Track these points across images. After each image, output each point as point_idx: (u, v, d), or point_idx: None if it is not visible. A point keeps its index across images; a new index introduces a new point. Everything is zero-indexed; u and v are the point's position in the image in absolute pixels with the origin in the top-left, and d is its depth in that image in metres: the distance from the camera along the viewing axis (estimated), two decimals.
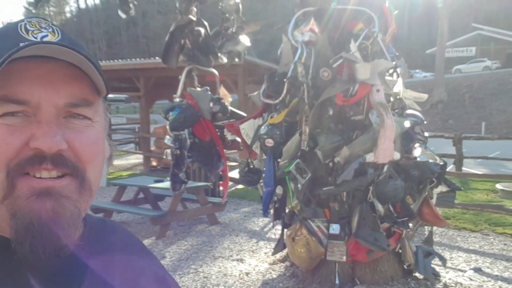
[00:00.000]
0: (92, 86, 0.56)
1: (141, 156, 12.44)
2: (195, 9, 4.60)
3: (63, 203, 0.53)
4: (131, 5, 4.61)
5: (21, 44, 0.52)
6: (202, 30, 4.50)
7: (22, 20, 0.56)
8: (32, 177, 0.52)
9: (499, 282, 4.14)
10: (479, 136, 11.56)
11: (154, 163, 11.88)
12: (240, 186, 8.82)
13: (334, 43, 3.64)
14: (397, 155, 3.37)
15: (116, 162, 12.96)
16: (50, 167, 0.52)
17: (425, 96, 3.94)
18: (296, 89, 3.63)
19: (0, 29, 0.57)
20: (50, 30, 0.56)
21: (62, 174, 0.53)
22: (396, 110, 3.67)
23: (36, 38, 0.54)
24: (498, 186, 7.96)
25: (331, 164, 3.56)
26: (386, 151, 3.27)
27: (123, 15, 4.71)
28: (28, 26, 0.55)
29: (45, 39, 0.54)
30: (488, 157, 10.57)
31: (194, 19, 4.46)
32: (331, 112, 3.49)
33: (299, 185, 3.61)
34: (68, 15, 70.32)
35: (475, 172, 9.37)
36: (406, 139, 3.58)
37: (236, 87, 10.21)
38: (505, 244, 5.29)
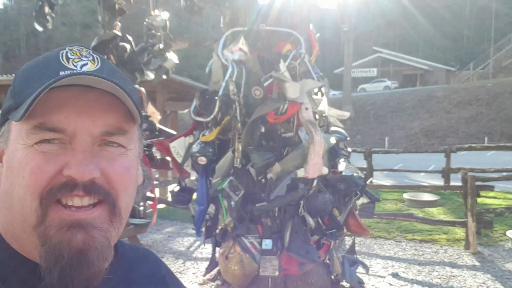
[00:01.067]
0: (128, 114, 0.57)
1: None
2: (119, 24, 4.46)
3: (93, 235, 0.53)
4: (48, 17, 4.33)
5: (61, 73, 0.53)
6: (128, 46, 4.37)
7: (64, 48, 0.57)
8: (63, 207, 0.52)
9: (415, 285, 4.50)
10: (387, 150, 12.57)
11: None
12: (160, 206, 8.58)
13: (264, 62, 3.76)
14: (325, 170, 3.54)
15: None
16: (82, 193, 0.52)
17: (347, 113, 4.21)
18: (227, 107, 3.67)
19: (43, 57, 0.58)
20: (90, 58, 0.57)
21: (93, 202, 0.54)
22: (322, 127, 3.86)
23: (76, 66, 0.55)
24: (405, 195, 8.69)
25: (263, 180, 3.63)
26: (315, 166, 3.42)
27: (39, 28, 4.39)
28: (69, 54, 0.56)
29: (84, 68, 0.55)
30: (393, 169, 11.51)
31: (119, 34, 4.32)
32: (263, 130, 3.57)
33: (232, 203, 3.61)
34: None
35: (384, 183, 10.13)
36: (332, 154, 3.77)
37: (155, 104, 10.00)
38: (416, 250, 5.77)
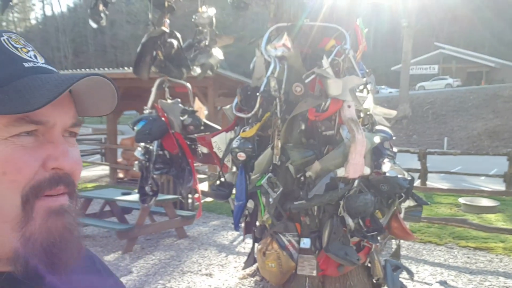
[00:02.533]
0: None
1: (107, 168, 12.14)
2: (167, 21, 4.57)
3: (71, 219, 0.56)
4: (102, 15, 4.52)
5: (25, 64, 0.53)
6: (175, 42, 4.47)
7: (1, 35, 0.55)
8: (44, 197, 0.53)
9: None
10: (443, 152, 11.96)
11: (120, 175, 11.62)
12: (209, 199, 8.74)
13: (307, 58, 3.69)
14: (367, 170, 3.42)
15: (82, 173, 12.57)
16: (63, 188, 0.55)
17: (394, 112, 4.05)
18: (268, 103, 3.65)
19: None
20: (30, 48, 0.56)
21: (63, 192, 0.56)
22: (366, 126, 3.73)
23: (30, 57, 0.55)
24: (461, 200, 8.23)
25: (302, 178, 3.57)
26: (356, 166, 3.31)
27: (94, 25, 4.61)
28: (13, 43, 0.55)
29: (38, 59, 0.56)
30: (451, 172, 10.93)
31: (167, 30, 4.42)
32: (303, 127, 3.51)
33: (270, 199, 3.59)
34: (33, 21, 68.48)
35: (439, 186, 9.66)
36: (376, 154, 3.64)
37: (206, 100, 10.17)
38: (468, 257, 5.44)
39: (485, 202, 8.12)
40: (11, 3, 4.62)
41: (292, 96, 3.48)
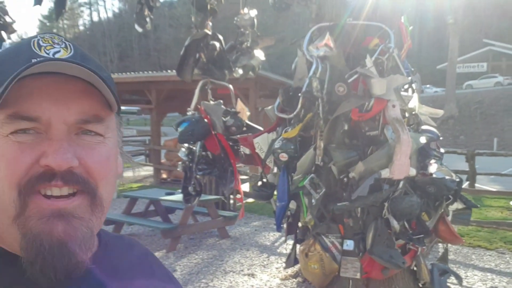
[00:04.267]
0: (103, 102, 0.56)
1: (151, 168, 12.48)
2: (210, 24, 4.64)
3: (74, 225, 0.52)
4: (147, 19, 4.67)
5: (33, 61, 0.52)
6: (217, 44, 4.54)
7: (36, 36, 0.56)
8: (43, 197, 0.52)
9: None
10: (492, 153, 11.43)
11: (164, 176, 11.91)
12: (250, 200, 8.80)
13: (349, 58, 3.65)
14: (413, 171, 3.34)
15: (126, 174, 13.00)
16: (60, 183, 0.52)
17: (441, 112, 3.92)
18: (310, 104, 3.63)
19: (14, 45, 0.57)
20: (63, 45, 0.56)
21: (73, 192, 0.53)
22: (411, 126, 3.64)
23: (48, 54, 0.54)
24: None
25: (345, 179, 3.53)
26: (402, 167, 3.24)
27: (139, 29, 4.77)
28: (41, 42, 0.55)
29: (57, 55, 0.54)
30: (501, 173, 10.43)
31: (210, 33, 4.50)
32: (346, 127, 3.47)
33: (313, 200, 3.57)
34: (81, 28, 71.61)
35: (489, 189, 9.25)
36: (422, 155, 3.54)
37: (248, 101, 10.25)
38: None
39: None
40: (63, 11, 4.85)
41: (335, 96, 3.45)
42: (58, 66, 0.52)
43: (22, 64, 0.51)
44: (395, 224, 3.38)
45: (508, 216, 7.60)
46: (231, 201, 8.07)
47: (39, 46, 0.54)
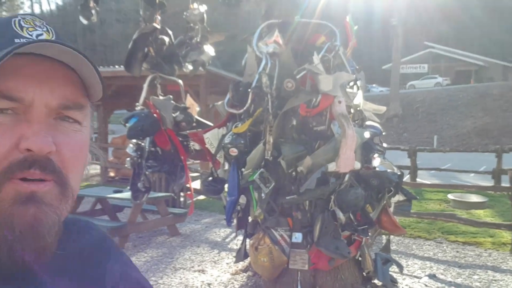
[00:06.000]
0: (84, 90, 0.55)
1: (98, 167, 12.09)
2: (159, 18, 4.57)
3: (44, 210, 0.51)
4: (93, 11, 4.52)
5: (16, 41, 0.51)
6: (166, 39, 4.48)
7: (16, 16, 0.55)
8: (18, 180, 0.50)
9: None
10: (432, 149, 12.10)
11: (112, 174, 11.58)
12: (201, 197, 8.75)
13: (298, 55, 3.73)
14: (357, 165, 3.47)
15: None
16: (38, 172, 0.50)
17: (383, 108, 4.10)
18: (260, 99, 3.68)
19: None
20: (45, 29, 0.54)
21: (45, 178, 0.52)
22: (356, 121, 3.78)
23: (31, 36, 0.53)
24: (450, 196, 8.34)
25: (294, 173, 3.61)
26: (347, 161, 3.36)
27: (84, 21, 4.60)
28: (22, 23, 0.54)
29: (40, 37, 0.53)
30: (440, 168, 11.07)
31: (159, 27, 4.43)
32: (294, 122, 3.55)
33: (262, 194, 3.63)
34: None
35: (428, 182, 9.77)
36: (366, 149, 3.69)
37: (198, 98, 10.18)
38: (457, 252, 5.53)
39: (474, 198, 8.24)
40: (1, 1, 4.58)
41: (284, 92, 3.52)
42: (42, 47, 0.51)
43: (4, 43, 0.50)
44: (341, 216, 3.51)
45: (446, 208, 8.07)
46: (181, 199, 7.99)
47: (21, 27, 0.53)
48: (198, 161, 8.62)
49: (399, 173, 3.82)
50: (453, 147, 17.18)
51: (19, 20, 0.54)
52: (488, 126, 25.52)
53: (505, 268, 4.88)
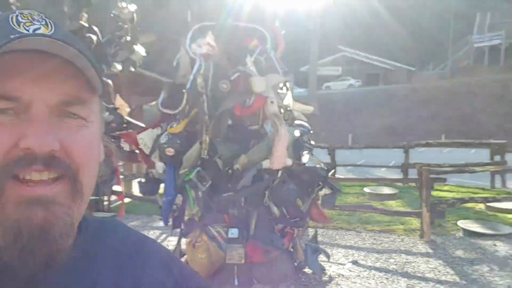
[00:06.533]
0: (87, 84, 0.53)
1: None
2: (85, 15, 4.44)
3: (54, 212, 0.49)
4: (13, 6, 4.26)
5: (11, 37, 0.48)
6: (94, 37, 4.37)
7: (14, 12, 0.52)
8: (21, 183, 0.49)
9: (373, 271, 4.74)
10: (350, 146, 12.95)
11: None
12: (127, 200, 8.53)
13: (231, 57, 3.87)
14: (289, 161, 3.70)
15: None
16: (41, 167, 0.49)
17: (311, 108, 4.39)
18: (195, 100, 3.76)
19: None
20: (43, 22, 0.52)
21: (54, 177, 0.50)
22: (286, 121, 4.01)
23: (28, 30, 0.50)
24: (366, 189, 9.02)
25: (230, 171, 3.74)
26: (280, 158, 3.57)
27: None
28: (19, 18, 0.51)
29: (37, 32, 0.50)
30: (356, 164, 11.90)
31: (86, 25, 4.31)
32: (230, 122, 3.68)
33: (199, 193, 3.71)
34: None
35: (347, 177, 10.45)
36: (296, 147, 3.94)
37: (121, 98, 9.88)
38: (374, 239, 6.04)
39: (387, 190, 9.00)
40: None
41: (219, 92, 3.64)
42: (42, 43, 0.49)
43: (1, 41, 0.47)
44: (275, 210, 3.71)
45: (363, 200, 8.72)
46: (106, 202, 7.73)
47: (18, 22, 0.50)
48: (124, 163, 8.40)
49: (325, 168, 4.12)
50: (363, 144, 18.49)
51: (17, 16, 0.52)
52: (395, 124, 27.77)
53: (416, 251, 5.45)
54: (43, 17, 0.53)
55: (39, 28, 0.51)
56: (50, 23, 0.52)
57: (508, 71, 30.15)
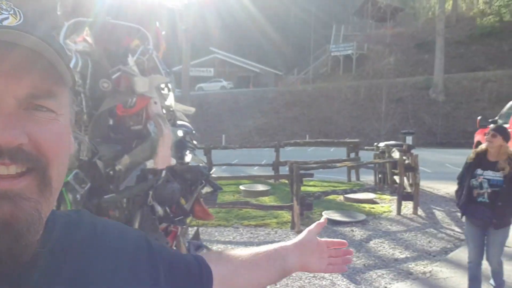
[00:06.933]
0: (57, 76, 0.53)
1: None
2: None
3: (22, 206, 0.49)
4: None
5: None
6: None
7: None
8: None
9: None
10: (225, 146, 13.36)
11: None
12: None
13: (112, 56, 3.77)
14: (173, 161, 3.76)
15: None
16: (8, 161, 0.48)
17: (193, 109, 4.49)
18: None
19: None
20: (12, 12, 0.50)
21: (21, 171, 0.50)
22: (169, 121, 4.06)
23: None
24: (242, 187, 9.45)
25: (111, 172, 3.65)
26: (164, 158, 3.61)
27: None
28: None
29: (5, 22, 0.49)
30: (231, 164, 12.34)
31: None
32: (111, 122, 3.59)
33: (77, 196, 3.54)
34: None
35: (224, 176, 10.79)
36: (180, 146, 4.01)
37: None
38: (251, 234, 6.41)
39: (260, 187, 9.57)
40: None
41: (99, 91, 3.52)
42: (6, 34, 0.47)
43: None
44: (159, 209, 3.73)
45: (239, 198, 9.12)
46: None
47: None
48: None
49: (207, 167, 4.27)
50: (239, 144, 19.22)
51: None
52: (265, 125, 29.36)
53: None
54: (12, 6, 0.51)
55: (7, 18, 0.49)
56: (19, 12, 0.51)
57: (359, 79, 34.18)
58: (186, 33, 27.97)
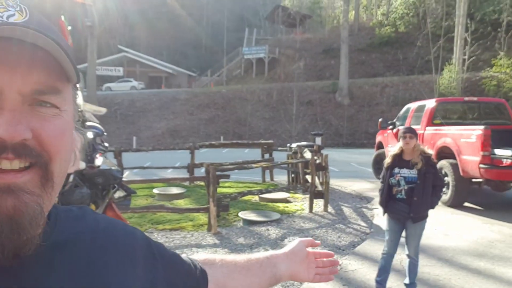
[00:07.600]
0: (61, 72, 0.53)
1: None
2: None
3: (25, 200, 0.50)
4: None
5: None
6: None
7: None
8: None
9: None
10: (137, 149, 12.84)
11: None
12: None
13: None
14: (82, 165, 3.53)
15: None
16: (12, 156, 0.49)
17: (104, 109, 4.26)
18: None
19: None
20: (18, 8, 0.51)
21: (25, 166, 0.51)
22: (78, 122, 3.80)
23: (1, 17, 0.49)
24: (155, 190, 9.18)
25: None
26: (73, 162, 3.37)
27: None
28: None
29: (11, 19, 0.49)
30: (144, 167, 11.94)
31: None
32: None
33: None
34: None
35: (136, 179, 10.39)
36: (90, 149, 3.77)
37: None
38: (167, 238, 6.25)
39: (175, 190, 9.38)
40: None
41: None
42: (12, 31, 0.48)
43: None
44: None
45: (153, 202, 8.85)
46: None
47: None
48: None
49: (120, 170, 4.08)
50: (150, 147, 18.68)
51: None
52: (178, 127, 28.88)
53: (205, 243, 5.89)
54: (18, 3, 0.52)
55: (13, 15, 0.50)
56: (25, 8, 0.52)
57: (271, 81, 35.19)
58: (91, 29, 26.53)
